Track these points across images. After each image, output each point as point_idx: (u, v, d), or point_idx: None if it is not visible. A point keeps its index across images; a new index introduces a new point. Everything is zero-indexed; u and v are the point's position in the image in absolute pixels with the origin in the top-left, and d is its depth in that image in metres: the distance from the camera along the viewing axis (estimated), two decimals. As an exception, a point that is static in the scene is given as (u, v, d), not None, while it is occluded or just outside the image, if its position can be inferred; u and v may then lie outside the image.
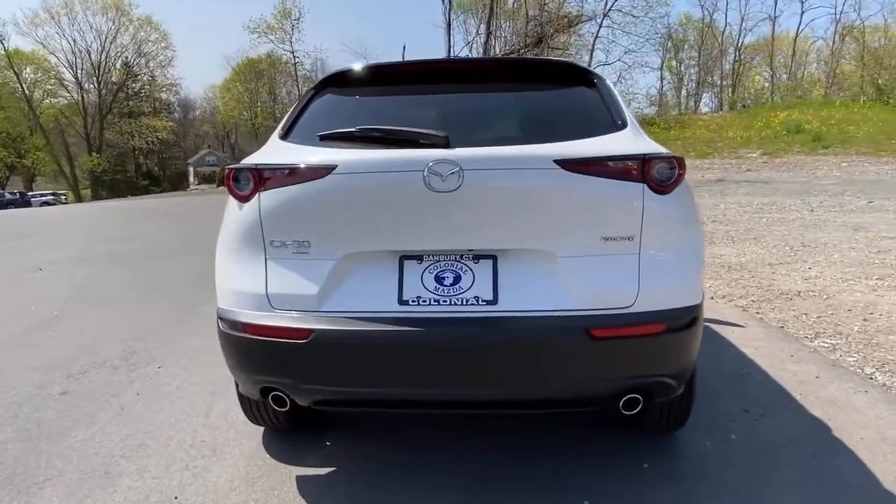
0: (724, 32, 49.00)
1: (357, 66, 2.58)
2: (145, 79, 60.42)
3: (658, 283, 2.07)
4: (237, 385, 2.56)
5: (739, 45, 48.02)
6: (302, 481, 2.48)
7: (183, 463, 2.64)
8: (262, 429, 2.90)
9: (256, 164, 2.16)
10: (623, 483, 2.39)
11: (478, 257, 2.11)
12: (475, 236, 2.09)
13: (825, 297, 5.16)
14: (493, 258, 2.10)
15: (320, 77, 2.94)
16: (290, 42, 51.12)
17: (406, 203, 2.07)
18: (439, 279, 2.09)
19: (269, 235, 2.16)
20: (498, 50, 37.71)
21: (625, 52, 40.24)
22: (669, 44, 49.16)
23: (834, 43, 41.61)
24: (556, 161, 2.01)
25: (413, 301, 2.07)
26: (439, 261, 2.12)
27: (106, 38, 57.03)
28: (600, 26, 38.99)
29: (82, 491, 2.45)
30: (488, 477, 2.47)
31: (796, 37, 45.27)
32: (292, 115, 2.48)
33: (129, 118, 57.90)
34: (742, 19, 57.67)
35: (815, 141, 23.25)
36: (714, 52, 50.54)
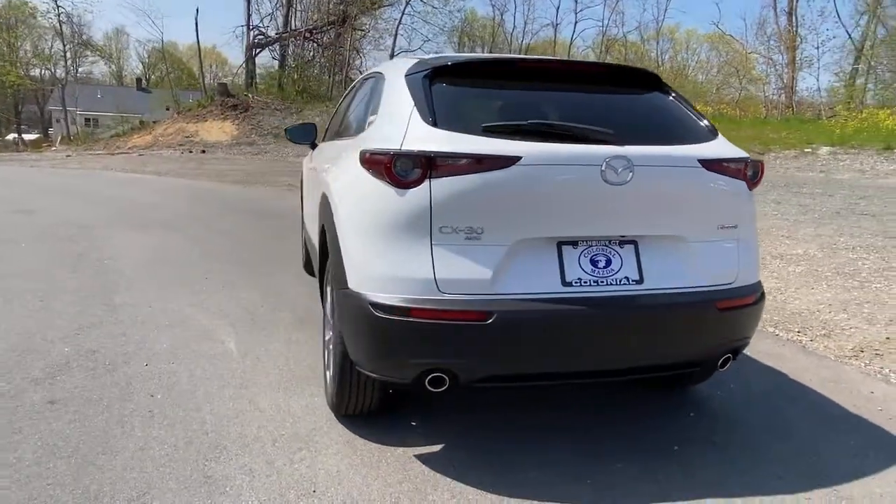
0: (512, 33, 53.18)
1: (464, 58, 2.70)
2: None
3: (747, 263, 2.59)
4: (341, 368, 2.55)
5: (525, 46, 52.52)
6: (427, 459, 2.54)
7: (285, 457, 2.52)
8: (333, 419, 2.84)
9: (429, 152, 2.19)
10: (666, 436, 2.82)
11: (622, 242, 2.40)
12: (624, 224, 2.39)
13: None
14: (635, 243, 2.41)
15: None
16: (53, -11, 43.53)
17: (580, 193, 2.30)
18: (594, 262, 2.35)
19: (439, 222, 2.21)
20: (300, 24, 36.60)
21: (424, 42, 41.66)
22: (465, 39, 52.02)
23: (601, 53, 47.62)
24: (699, 160, 2.40)
25: (575, 282, 2.31)
26: (591, 245, 2.37)
27: None
28: (403, 13, 39.78)
29: (197, 499, 2.24)
30: (599, 449, 2.78)
31: (570, 44, 50.87)
32: (419, 102, 2.41)
33: None
34: (525, 23, 63.28)
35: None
36: (503, 51, 54.73)
